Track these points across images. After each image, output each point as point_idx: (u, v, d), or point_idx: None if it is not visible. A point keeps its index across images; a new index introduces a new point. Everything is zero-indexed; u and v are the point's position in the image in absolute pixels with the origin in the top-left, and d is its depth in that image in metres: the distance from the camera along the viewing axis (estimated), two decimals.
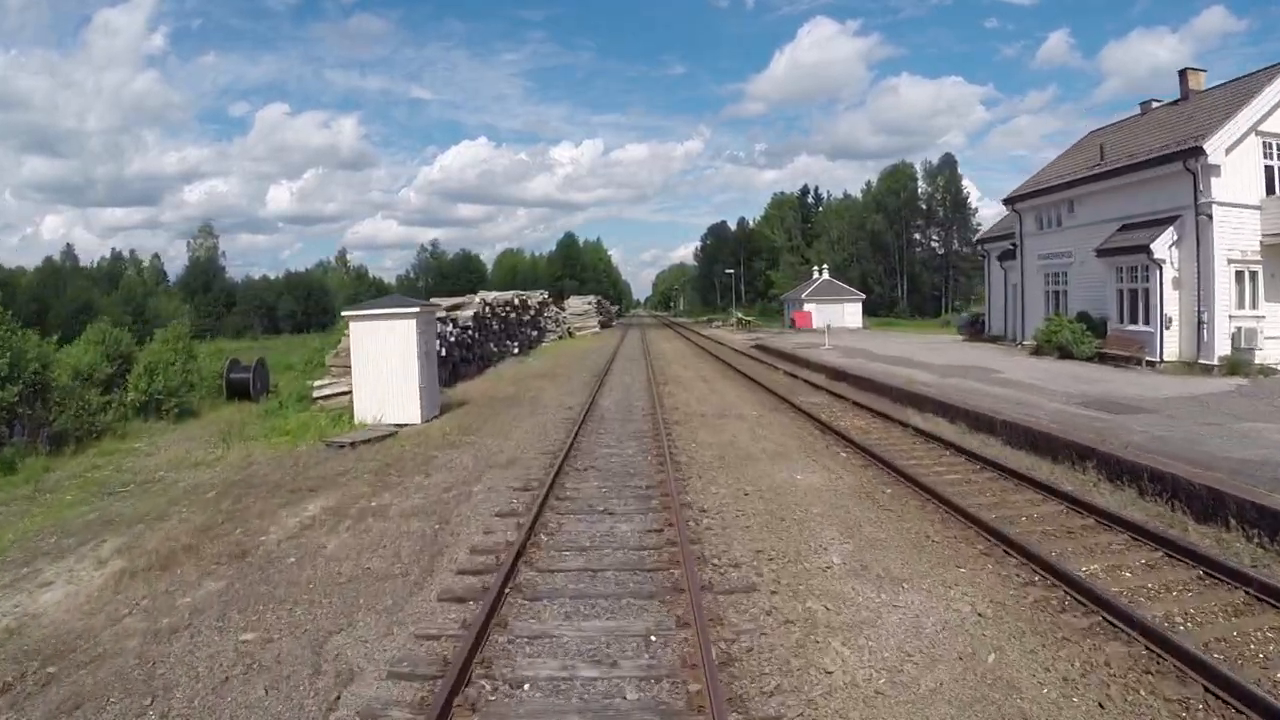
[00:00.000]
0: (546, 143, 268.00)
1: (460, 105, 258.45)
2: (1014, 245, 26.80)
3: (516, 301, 33.80)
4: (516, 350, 31.91)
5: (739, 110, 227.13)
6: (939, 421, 12.97)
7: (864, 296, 57.79)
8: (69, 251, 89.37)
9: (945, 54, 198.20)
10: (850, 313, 53.75)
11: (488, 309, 27.64)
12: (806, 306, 54.18)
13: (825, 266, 60.38)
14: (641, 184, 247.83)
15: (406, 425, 13.91)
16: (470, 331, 23.68)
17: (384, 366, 13.86)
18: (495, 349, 28.29)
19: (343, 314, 14.23)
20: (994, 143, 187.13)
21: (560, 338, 45.54)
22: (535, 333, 38.52)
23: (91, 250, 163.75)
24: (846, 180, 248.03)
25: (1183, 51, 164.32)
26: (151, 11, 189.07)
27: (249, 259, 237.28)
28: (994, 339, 29.91)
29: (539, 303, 41.00)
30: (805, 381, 19.93)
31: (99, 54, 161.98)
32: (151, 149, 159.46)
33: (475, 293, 31.46)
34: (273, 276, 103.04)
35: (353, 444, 12.23)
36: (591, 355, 32.09)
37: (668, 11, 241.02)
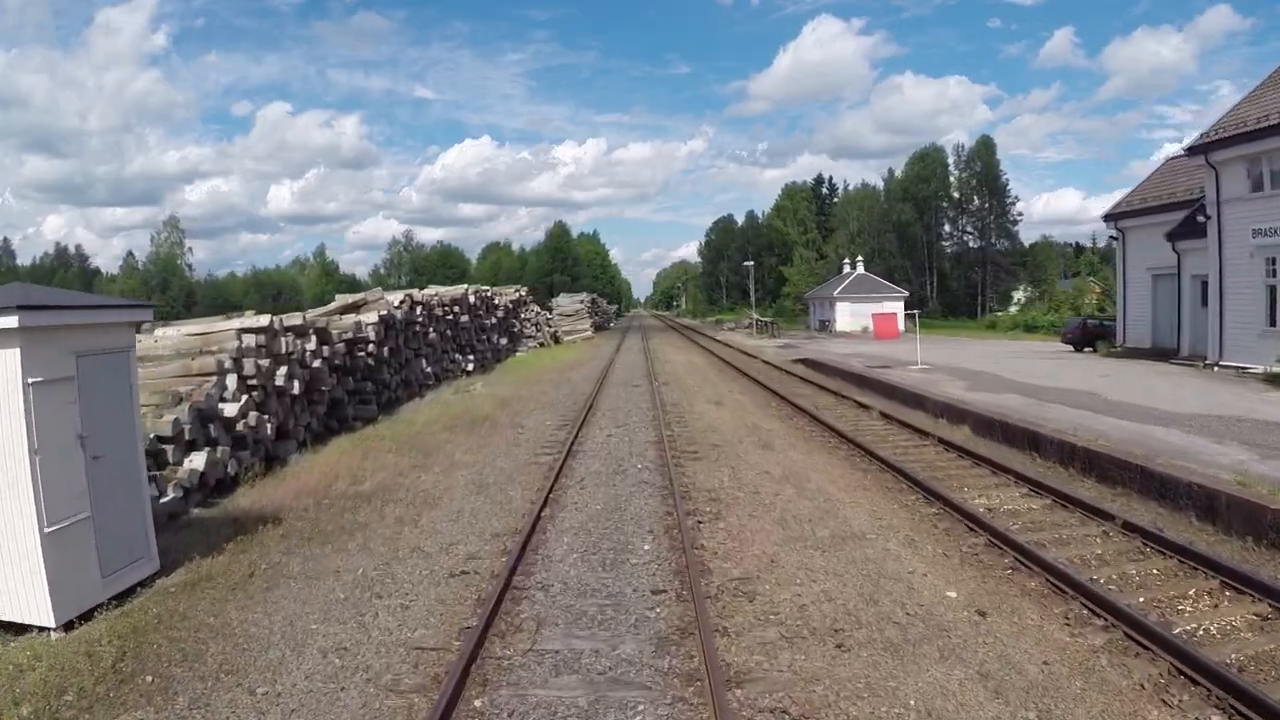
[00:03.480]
0: (549, 142, 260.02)
1: (463, 105, 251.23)
2: (1203, 218, 17.97)
3: (473, 300, 24.85)
4: (471, 367, 23.06)
5: (742, 109, 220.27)
6: None
7: (905, 294, 48.78)
8: (5, 246, 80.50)
9: (949, 53, 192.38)
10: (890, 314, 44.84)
11: (418, 310, 18.78)
12: (840, 305, 45.33)
13: (860, 260, 51.50)
14: (644, 183, 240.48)
15: (10, 641, 5.08)
16: (370, 348, 14.82)
17: None
18: (431, 369, 19.44)
19: None
20: (996, 141, 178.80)
21: (542, 345, 36.63)
22: (506, 340, 29.61)
23: (94, 250, 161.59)
24: (849, 179, 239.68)
25: (1186, 50, 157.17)
26: (154, 11, 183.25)
27: (250, 258, 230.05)
28: (1145, 353, 21.10)
29: (512, 301, 32.03)
30: (941, 441, 11.07)
31: (101, 53, 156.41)
32: (153, 148, 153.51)
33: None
34: (239, 274, 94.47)
35: None
36: (573, 376, 22.96)
37: (672, 11, 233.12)
